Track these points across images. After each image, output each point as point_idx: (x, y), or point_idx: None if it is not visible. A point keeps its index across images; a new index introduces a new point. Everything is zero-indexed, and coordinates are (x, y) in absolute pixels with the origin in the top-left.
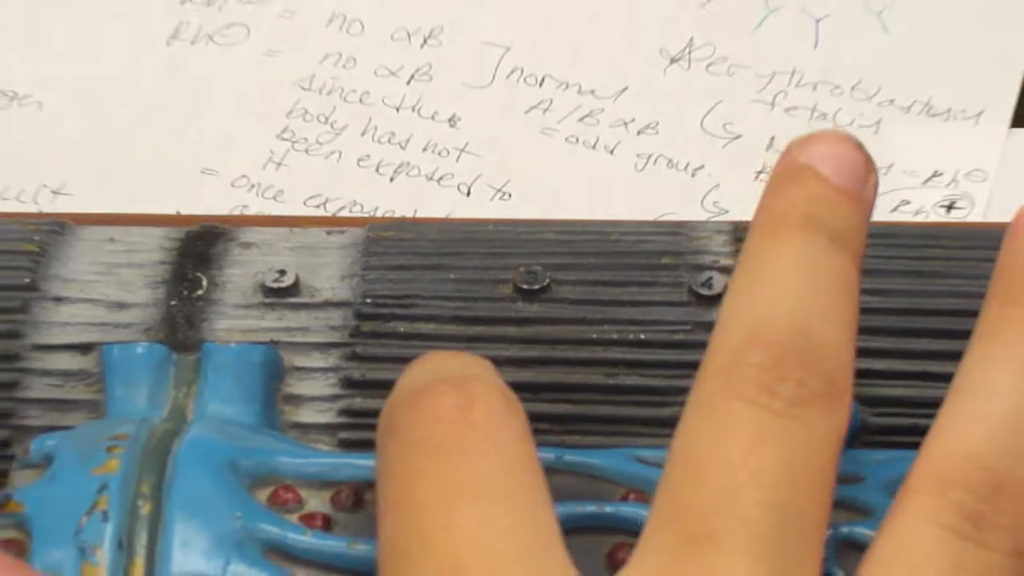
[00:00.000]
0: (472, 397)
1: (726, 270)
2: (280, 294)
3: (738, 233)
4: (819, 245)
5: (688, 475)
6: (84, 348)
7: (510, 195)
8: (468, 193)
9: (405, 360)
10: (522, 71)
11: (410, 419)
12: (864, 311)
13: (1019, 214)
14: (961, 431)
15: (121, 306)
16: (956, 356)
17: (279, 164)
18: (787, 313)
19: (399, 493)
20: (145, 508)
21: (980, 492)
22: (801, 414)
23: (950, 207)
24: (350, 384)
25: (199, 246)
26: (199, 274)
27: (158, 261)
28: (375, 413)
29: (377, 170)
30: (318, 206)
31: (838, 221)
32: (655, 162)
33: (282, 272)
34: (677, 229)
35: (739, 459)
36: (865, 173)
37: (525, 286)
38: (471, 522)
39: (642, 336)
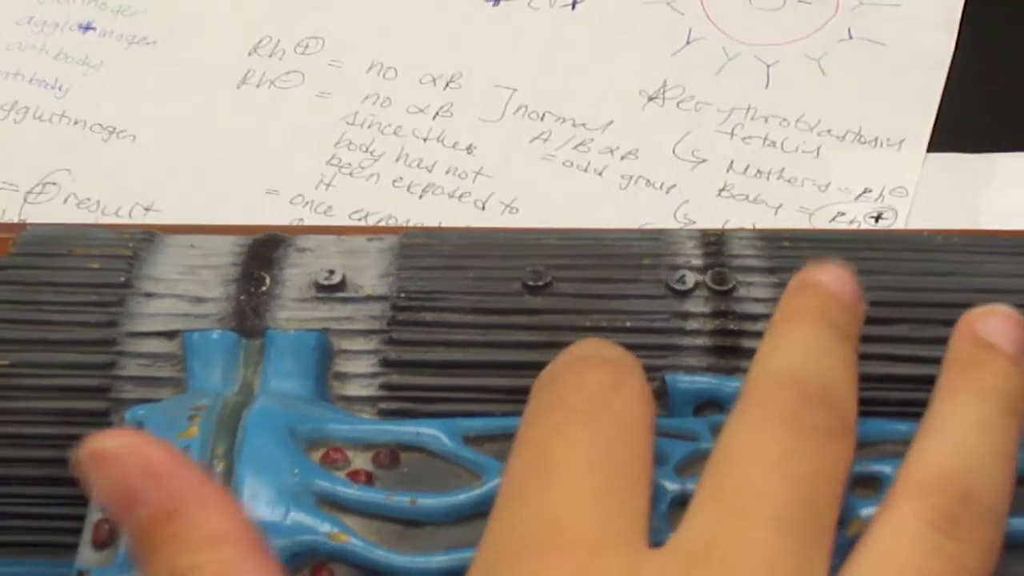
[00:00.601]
0: (620, 380)
1: (696, 269)
2: (330, 290)
3: (705, 239)
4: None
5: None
6: (170, 335)
7: (518, 209)
8: (483, 208)
9: (434, 344)
10: (527, 108)
11: (565, 379)
12: None
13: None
14: (935, 457)
15: (200, 300)
16: (886, 339)
17: (328, 185)
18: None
19: (535, 438)
20: (220, 466)
21: (953, 498)
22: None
23: (878, 218)
24: (388, 364)
25: (263, 250)
26: (263, 273)
27: (230, 263)
28: (409, 388)
29: (408, 189)
30: (360, 219)
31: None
32: (636, 182)
33: (331, 272)
34: (656, 236)
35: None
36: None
37: (531, 283)
38: (581, 488)
39: (627, 324)
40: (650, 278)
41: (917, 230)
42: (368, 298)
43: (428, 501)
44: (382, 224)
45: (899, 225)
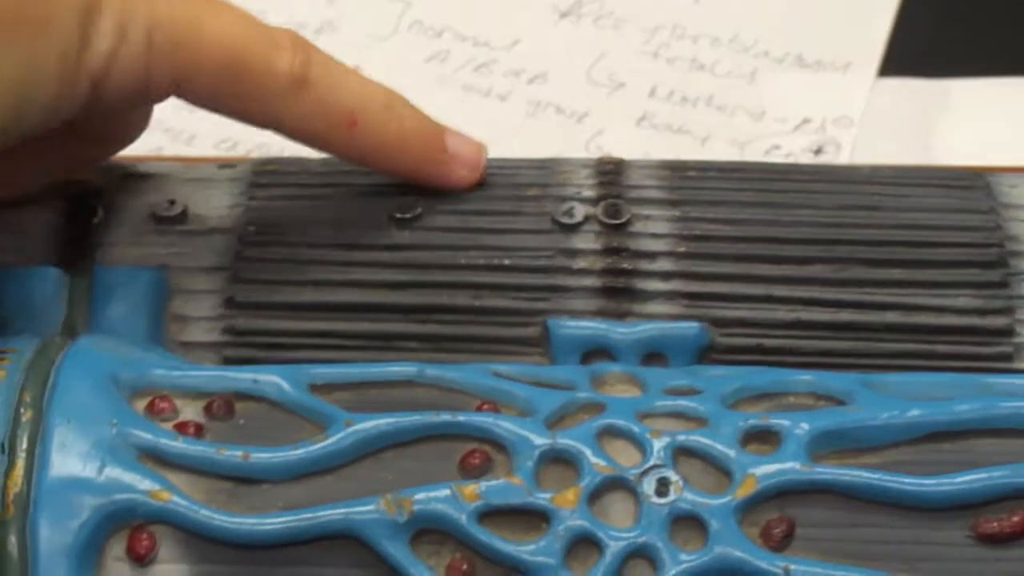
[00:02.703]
0: None
1: (587, 200)
2: (169, 222)
3: (601, 167)
4: None
5: None
6: None
7: None
8: None
9: (285, 283)
10: (422, 23)
11: None
12: (712, 239)
13: None
14: None
15: (21, 233)
16: (799, 281)
17: (192, 110)
18: None
19: None
20: (27, 415)
21: None
22: None
23: (818, 151)
24: (233, 305)
25: (96, 177)
26: (94, 203)
27: (57, 192)
28: (257, 332)
29: None
30: (228, 149)
31: None
32: (544, 109)
33: (172, 201)
34: (545, 164)
35: None
36: None
37: (399, 215)
38: None
39: (506, 261)
40: (535, 210)
41: (847, 166)
42: (212, 231)
43: (263, 455)
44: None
45: (842, 160)
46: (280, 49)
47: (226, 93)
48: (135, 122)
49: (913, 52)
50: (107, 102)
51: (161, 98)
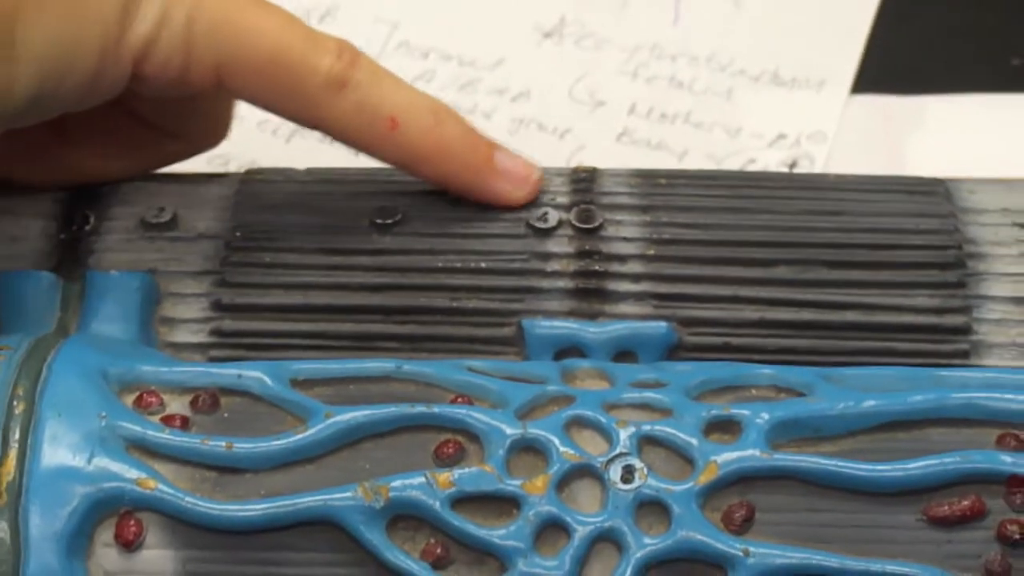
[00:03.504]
0: None
1: (561, 207)
2: (159, 228)
3: (575, 176)
4: None
5: None
6: None
7: None
8: (357, 153)
9: (270, 286)
10: (408, 44)
11: None
12: (682, 242)
13: None
14: None
15: (14, 239)
16: (764, 282)
17: None
18: None
19: None
20: (20, 407)
21: None
22: None
23: (792, 165)
24: (219, 308)
25: (89, 187)
26: (87, 211)
27: (51, 200)
28: (243, 334)
29: (274, 133)
30: (221, 165)
31: None
32: (527, 126)
33: (161, 209)
34: None
35: None
36: None
37: (379, 220)
38: None
39: (483, 264)
40: (510, 216)
41: (825, 174)
42: (200, 237)
43: (245, 446)
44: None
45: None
46: (323, 50)
47: (267, 88)
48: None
49: (886, 69)
50: (150, 86)
51: (205, 87)
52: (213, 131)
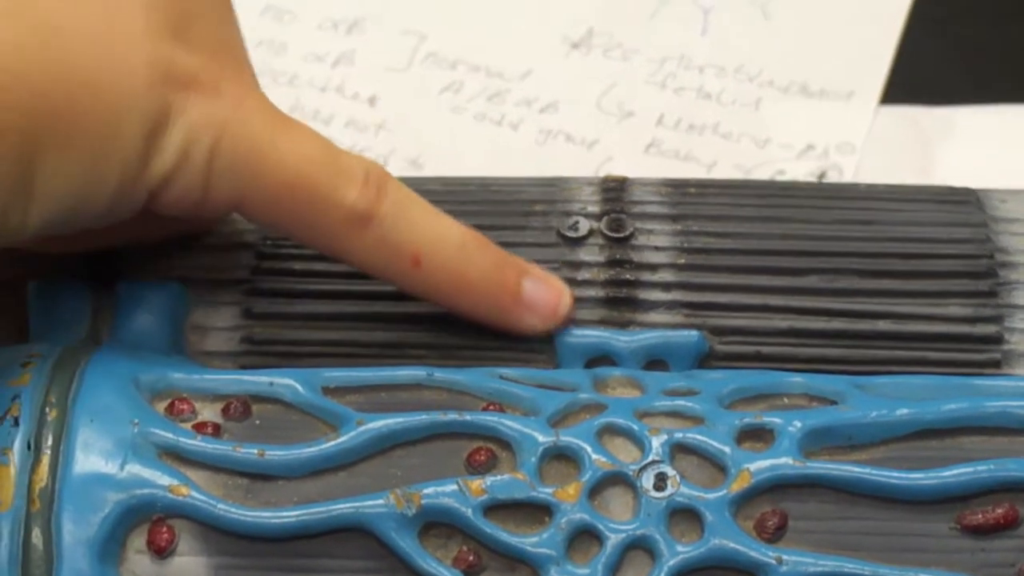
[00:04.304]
0: None
1: (592, 216)
2: (190, 237)
3: (605, 185)
4: None
5: None
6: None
7: (423, 166)
8: (385, 164)
9: (300, 295)
10: (436, 55)
11: None
12: (713, 251)
13: None
14: None
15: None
16: (795, 291)
17: None
18: None
19: None
20: (52, 414)
21: None
22: None
23: (821, 176)
24: (250, 316)
25: None
26: None
27: None
28: (273, 342)
29: None
30: None
31: None
32: (555, 137)
33: None
34: (552, 182)
35: None
36: None
37: None
38: None
39: None
40: (541, 225)
41: (844, 184)
42: (232, 246)
43: (277, 453)
44: None
45: None
46: (350, 180)
47: (285, 219)
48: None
49: (914, 80)
50: (163, 211)
51: (218, 215)
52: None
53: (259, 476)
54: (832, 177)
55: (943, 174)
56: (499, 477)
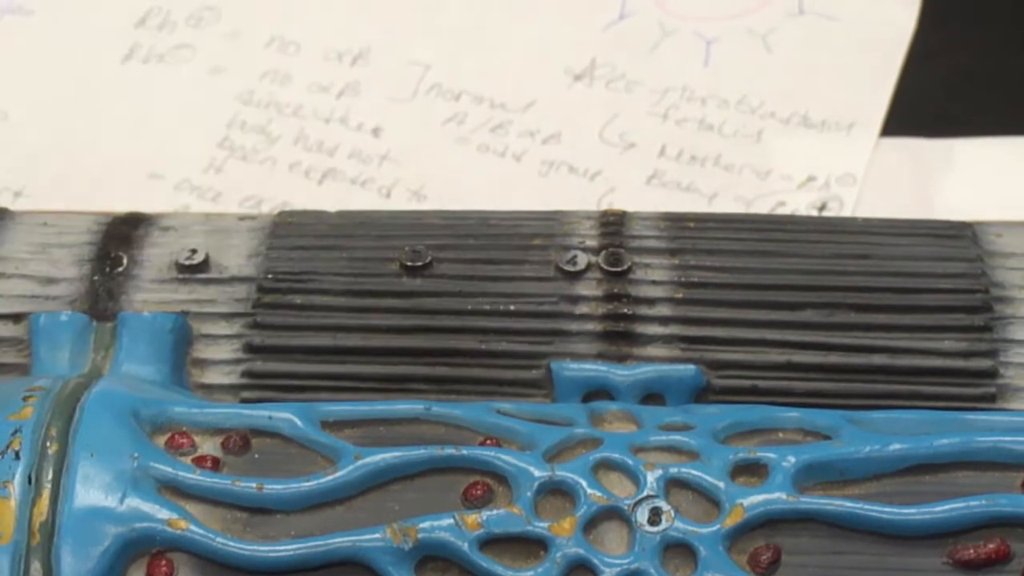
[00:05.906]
0: None
1: (590, 250)
2: (191, 270)
3: (604, 219)
4: None
5: None
6: (16, 318)
7: (426, 197)
8: (388, 195)
9: (301, 328)
10: (440, 87)
11: None
12: (710, 286)
13: None
14: None
15: (50, 281)
16: (791, 325)
17: (219, 170)
18: None
19: None
20: (53, 448)
21: None
22: None
23: (821, 208)
24: (251, 349)
25: (122, 229)
26: (121, 253)
27: (85, 242)
28: (274, 375)
29: (307, 175)
30: (253, 207)
31: None
32: (557, 168)
33: (193, 251)
34: (550, 216)
35: None
36: None
37: (409, 263)
38: None
39: (512, 307)
40: (539, 259)
41: (841, 218)
42: (233, 279)
43: (276, 487)
44: None
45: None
46: None
47: None
48: None
49: (915, 112)
50: None
51: None
52: None
53: (258, 510)
54: (833, 208)
55: (943, 205)
56: (495, 511)
